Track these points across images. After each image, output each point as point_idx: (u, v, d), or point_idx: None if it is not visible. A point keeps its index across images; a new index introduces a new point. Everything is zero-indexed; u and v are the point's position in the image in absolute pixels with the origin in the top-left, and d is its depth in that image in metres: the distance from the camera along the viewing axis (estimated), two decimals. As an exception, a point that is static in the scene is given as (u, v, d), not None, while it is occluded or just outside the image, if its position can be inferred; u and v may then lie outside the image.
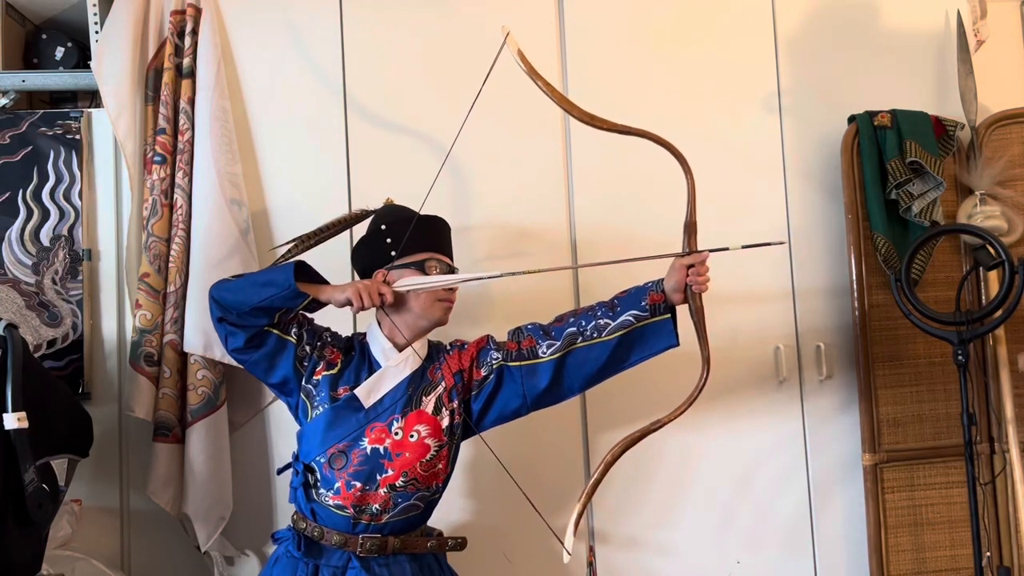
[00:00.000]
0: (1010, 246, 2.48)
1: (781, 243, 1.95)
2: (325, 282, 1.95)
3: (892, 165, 2.56)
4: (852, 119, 2.64)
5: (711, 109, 2.65)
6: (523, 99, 2.59)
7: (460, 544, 2.04)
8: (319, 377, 1.95)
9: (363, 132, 2.54)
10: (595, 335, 1.94)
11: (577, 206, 2.60)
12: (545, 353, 1.97)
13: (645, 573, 2.53)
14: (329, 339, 2.00)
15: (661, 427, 1.89)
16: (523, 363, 1.98)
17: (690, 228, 1.92)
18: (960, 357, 2.40)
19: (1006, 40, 2.80)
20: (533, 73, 1.92)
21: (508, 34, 1.90)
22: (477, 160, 2.55)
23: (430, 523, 2.06)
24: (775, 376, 2.61)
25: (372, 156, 2.53)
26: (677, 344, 1.94)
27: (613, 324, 1.94)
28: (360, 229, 2.13)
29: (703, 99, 2.65)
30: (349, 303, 1.88)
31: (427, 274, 1.96)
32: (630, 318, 1.93)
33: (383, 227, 2.00)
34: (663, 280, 1.94)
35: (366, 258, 2.03)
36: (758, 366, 2.61)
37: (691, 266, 1.88)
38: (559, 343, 1.96)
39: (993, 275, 2.57)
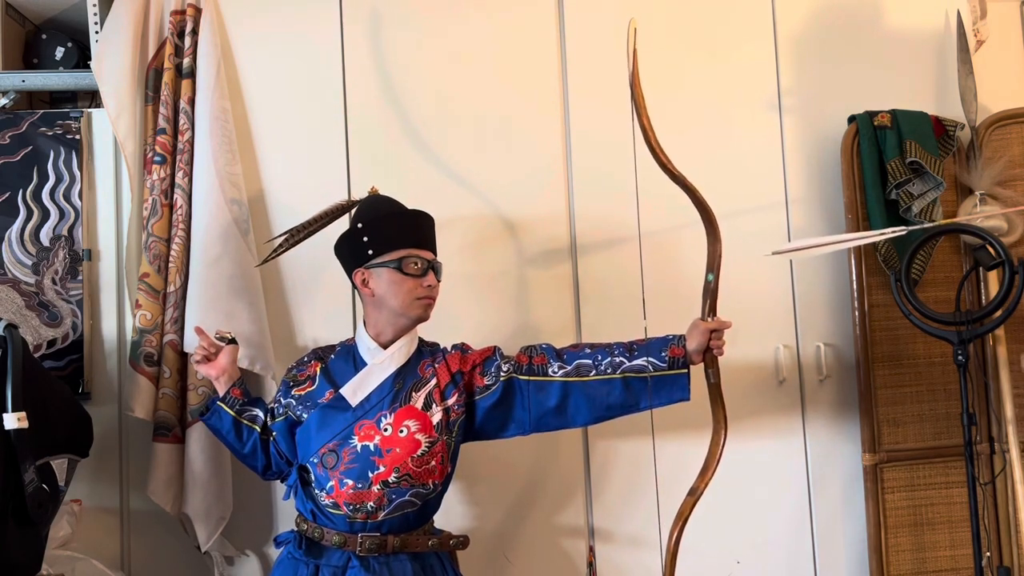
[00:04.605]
0: (1010, 246, 2.48)
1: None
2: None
3: (892, 165, 2.56)
4: (852, 119, 2.64)
5: (712, 109, 2.65)
6: (524, 92, 2.60)
7: (462, 543, 2.04)
8: (301, 393, 2.02)
9: (363, 131, 2.54)
10: (608, 371, 1.97)
11: (577, 199, 2.59)
12: (556, 373, 1.99)
13: (645, 572, 2.53)
14: (295, 365, 2.09)
15: (699, 496, 2.00)
16: (532, 378, 2.00)
17: (713, 293, 1.97)
18: (960, 357, 2.40)
19: (1006, 40, 2.79)
20: (635, 76, 1.95)
21: (635, 26, 1.94)
22: (476, 152, 2.56)
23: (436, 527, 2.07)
24: (775, 376, 2.61)
25: (372, 155, 2.53)
26: (688, 399, 1.98)
27: (628, 364, 1.96)
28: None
29: (704, 99, 2.65)
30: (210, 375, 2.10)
31: (405, 271, 1.96)
32: (647, 364, 1.95)
33: (359, 225, 2.00)
34: (684, 337, 1.98)
35: (347, 256, 2.04)
36: (758, 366, 2.61)
37: (713, 330, 1.95)
38: (569, 368, 1.99)
39: (993, 275, 2.57)
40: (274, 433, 2.05)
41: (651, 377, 1.95)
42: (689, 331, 1.97)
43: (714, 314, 1.99)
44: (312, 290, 2.48)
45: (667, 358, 1.95)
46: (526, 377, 2.00)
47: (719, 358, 2.01)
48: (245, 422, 2.06)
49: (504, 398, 2.01)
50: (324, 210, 2.14)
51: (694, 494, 2.00)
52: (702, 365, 2.01)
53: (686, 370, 1.96)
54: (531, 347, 2.05)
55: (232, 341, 2.09)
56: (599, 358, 1.98)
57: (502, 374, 2.01)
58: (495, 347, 2.08)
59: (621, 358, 1.97)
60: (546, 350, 2.03)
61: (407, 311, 1.98)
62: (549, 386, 1.98)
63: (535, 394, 1.99)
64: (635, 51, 1.93)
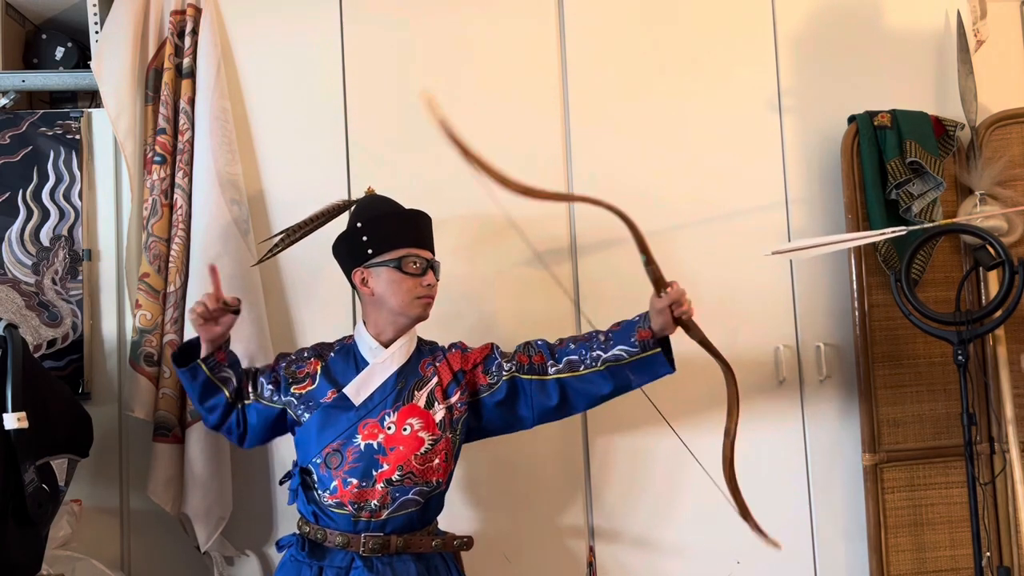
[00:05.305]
0: (1010, 246, 2.48)
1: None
2: None
3: (892, 165, 2.56)
4: (852, 119, 2.64)
5: (712, 109, 2.65)
6: (524, 92, 2.60)
7: (466, 544, 2.04)
8: (301, 392, 1.99)
9: (363, 131, 2.54)
10: (593, 365, 1.98)
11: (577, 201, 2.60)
12: (551, 372, 2.01)
13: (645, 573, 2.53)
14: (294, 358, 2.05)
15: (734, 436, 2.00)
16: (535, 377, 2.01)
17: (655, 271, 1.89)
18: (960, 357, 2.40)
19: (1006, 40, 2.79)
20: (455, 140, 1.76)
21: (430, 98, 1.75)
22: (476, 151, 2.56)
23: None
24: (775, 377, 2.61)
25: (372, 155, 2.53)
26: (674, 371, 1.97)
27: (605, 356, 1.97)
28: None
29: (704, 99, 2.65)
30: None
31: (404, 270, 1.96)
32: (621, 353, 1.96)
33: (358, 225, 2.00)
34: (648, 315, 1.94)
35: (345, 256, 2.04)
36: (758, 367, 2.60)
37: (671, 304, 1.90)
38: (561, 365, 2.00)
39: (993, 275, 2.57)
40: (248, 401, 2.01)
41: (629, 364, 1.95)
42: (650, 313, 1.94)
43: (666, 288, 1.90)
44: (312, 290, 2.48)
45: (637, 343, 1.94)
46: (528, 376, 2.01)
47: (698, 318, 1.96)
48: (216, 382, 1.98)
49: (509, 397, 2.02)
50: (320, 210, 2.14)
51: (728, 435, 1.99)
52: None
53: (659, 349, 1.95)
54: (528, 345, 2.06)
55: (237, 312, 1.97)
56: (583, 352, 1.99)
57: (504, 373, 2.02)
58: (492, 344, 2.09)
59: (598, 351, 1.97)
60: (543, 347, 2.04)
61: (407, 310, 1.99)
62: (549, 384, 2.00)
63: (538, 394, 2.01)
64: (442, 120, 1.75)
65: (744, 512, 1.99)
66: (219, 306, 1.91)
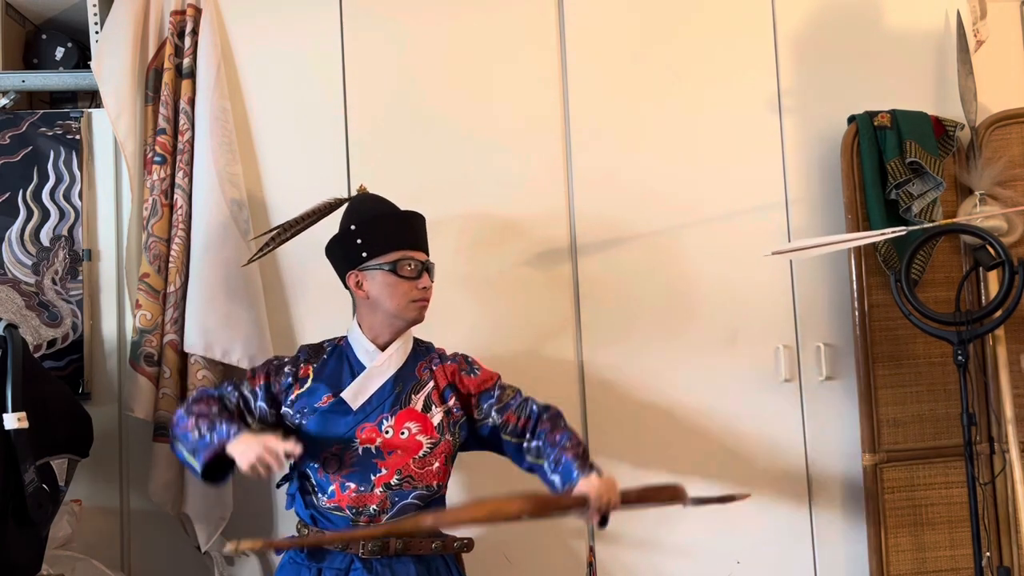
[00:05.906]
0: (1010, 246, 2.48)
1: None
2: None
3: (892, 165, 2.56)
4: (852, 119, 2.64)
5: (712, 109, 2.65)
6: (524, 92, 2.60)
7: (466, 545, 2.03)
8: (294, 397, 1.96)
9: (363, 131, 2.54)
10: (547, 470, 1.91)
11: (577, 199, 2.59)
12: (524, 446, 1.97)
13: (646, 573, 2.53)
14: (288, 362, 1.99)
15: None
16: (514, 439, 1.98)
17: (575, 502, 1.77)
18: (960, 357, 2.40)
19: (1006, 40, 2.79)
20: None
21: None
22: (476, 151, 2.56)
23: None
24: (775, 377, 2.61)
25: (372, 155, 2.53)
26: (605, 527, 1.83)
27: (550, 476, 1.89)
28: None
29: (704, 99, 2.65)
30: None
31: (399, 273, 1.94)
32: (562, 487, 1.86)
33: (352, 227, 1.98)
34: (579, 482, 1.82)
35: (340, 259, 2.02)
36: (758, 367, 2.60)
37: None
38: (531, 446, 1.95)
39: (993, 275, 2.56)
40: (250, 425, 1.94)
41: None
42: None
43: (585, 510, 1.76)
44: (312, 289, 2.47)
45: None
46: (508, 437, 1.98)
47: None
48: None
49: (491, 435, 2.01)
50: (312, 208, 2.12)
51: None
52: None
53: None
54: (525, 404, 1.99)
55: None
56: (547, 450, 1.92)
57: (490, 420, 1.99)
58: (496, 379, 2.03)
59: (548, 467, 1.90)
60: (534, 416, 1.98)
61: (402, 313, 1.97)
62: (524, 453, 1.97)
63: (514, 453, 1.99)
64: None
65: (721, 499, 1.99)
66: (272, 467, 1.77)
